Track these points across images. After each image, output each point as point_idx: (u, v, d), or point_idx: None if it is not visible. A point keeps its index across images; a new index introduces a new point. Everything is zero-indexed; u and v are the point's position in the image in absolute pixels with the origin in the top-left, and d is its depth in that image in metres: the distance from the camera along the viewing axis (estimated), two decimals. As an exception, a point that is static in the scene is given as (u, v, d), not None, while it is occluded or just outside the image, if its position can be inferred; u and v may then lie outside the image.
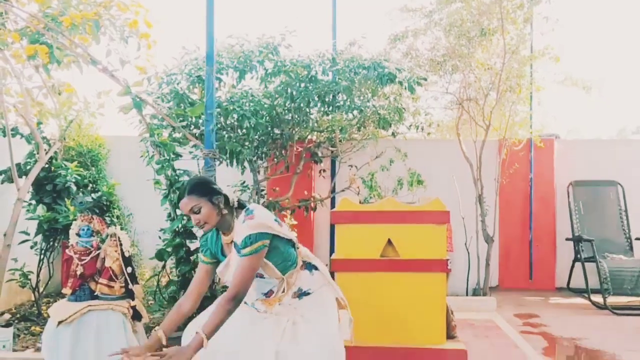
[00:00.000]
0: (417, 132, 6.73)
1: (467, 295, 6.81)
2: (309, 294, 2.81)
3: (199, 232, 4.34)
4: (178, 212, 4.34)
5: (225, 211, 2.68)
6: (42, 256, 5.42)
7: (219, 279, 3.60)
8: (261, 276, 2.73)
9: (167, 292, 4.33)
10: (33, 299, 5.48)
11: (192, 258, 4.30)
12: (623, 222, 7.19)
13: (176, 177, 4.30)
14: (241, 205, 2.76)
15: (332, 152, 6.68)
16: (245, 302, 2.81)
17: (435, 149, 7.58)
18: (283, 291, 2.78)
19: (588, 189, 7.42)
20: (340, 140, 6.24)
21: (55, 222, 5.14)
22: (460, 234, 6.79)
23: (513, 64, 6.65)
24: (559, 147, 7.68)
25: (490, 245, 6.67)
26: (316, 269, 2.90)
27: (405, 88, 5.59)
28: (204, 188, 2.65)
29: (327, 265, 7.25)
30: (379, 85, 5.51)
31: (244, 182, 6.05)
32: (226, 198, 2.71)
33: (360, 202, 5.39)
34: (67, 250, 3.49)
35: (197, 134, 5.17)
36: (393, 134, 6.44)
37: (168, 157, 4.31)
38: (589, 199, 7.37)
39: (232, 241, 2.69)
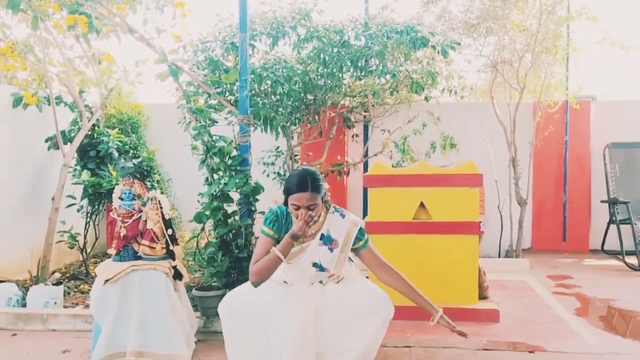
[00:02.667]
0: (450, 95, 6.59)
1: (499, 257, 6.76)
2: (342, 277, 2.91)
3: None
4: (215, 176, 4.39)
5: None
6: (88, 219, 5.59)
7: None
8: (327, 272, 2.80)
9: (206, 252, 4.42)
10: (81, 259, 5.68)
11: (229, 220, 4.36)
12: (660, 184, 6.98)
13: (213, 143, 4.33)
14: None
15: (364, 117, 6.62)
16: (285, 282, 2.87)
17: (469, 113, 7.44)
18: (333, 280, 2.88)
19: (625, 151, 7.19)
20: (372, 105, 6.17)
21: (99, 187, 5.27)
22: (493, 196, 6.70)
23: (549, 25, 6.41)
24: (595, 109, 7.44)
25: (523, 208, 6.58)
26: (351, 260, 3.02)
27: (439, 52, 5.46)
28: (321, 186, 2.70)
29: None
30: (412, 49, 5.39)
31: (278, 147, 6.06)
32: None
33: (392, 166, 5.37)
34: (110, 213, 3.58)
35: (232, 101, 5.18)
36: (426, 98, 6.33)
37: (204, 124, 4.34)
38: (626, 161, 7.16)
39: (316, 232, 2.79)
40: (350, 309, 2.70)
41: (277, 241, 2.77)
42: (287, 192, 2.70)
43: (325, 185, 2.75)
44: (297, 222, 2.66)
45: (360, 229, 2.83)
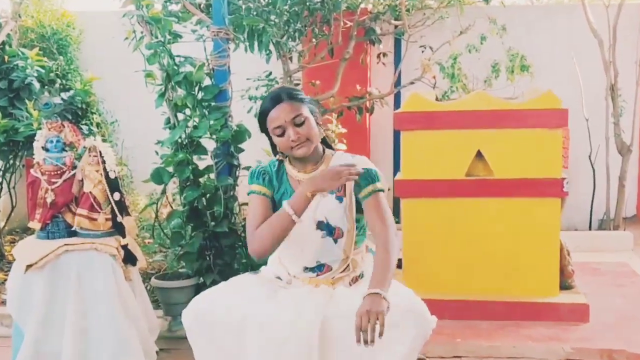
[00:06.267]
0: (521, -6, 6.49)
1: (590, 229, 6.77)
2: (362, 276, 2.93)
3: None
4: (180, 116, 4.37)
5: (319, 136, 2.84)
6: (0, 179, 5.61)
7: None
8: (338, 236, 2.83)
9: (169, 226, 4.44)
10: (-8, 236, 5.74)
11: (201, 180, 4.36)
12: None
13: (175, 67, 4.29)
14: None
15: (396, 27, 6.52)
16: (279, 277, 2.92)
17: (548, 20, 7.31)
18: (345, 269, 2.87)
19: None
20: (407, 10, 6.08)
21: (15, 133, 5.26)
22: (582, 142, 6.66)
23: None
24: None
25: (626, 158, 6.54)
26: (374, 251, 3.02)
27: None
28: (300, 95, 2.79)
29: (389, 189, 7.32)
30: None
31: (269, 73, 6.01)
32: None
33: (437, 99, 5.32)
34: (31, 171, 3.58)
35: (202, 5, 5.11)
36: (485, -2, 6.25)
37: (163, 40, 4.30)
38: None
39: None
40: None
41: (273, 200, 2.85)
42: (262, 116, 2.80)
43: (310, 101, 2.83)
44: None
45: (372, 171, 2.80)
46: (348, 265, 2.88)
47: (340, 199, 2.81)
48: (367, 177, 2.76)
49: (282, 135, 2.71)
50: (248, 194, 2.88)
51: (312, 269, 2.88)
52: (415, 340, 2.68)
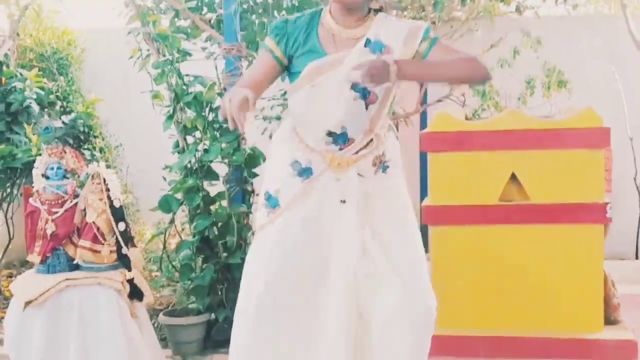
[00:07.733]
0: (557, 4, 6.48)
1: (637, 258, 6.71)
2: (387, 167, 2.98)
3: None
4: (189, 139, 4.39)
5: None
6: (-4, 209, 5.65)
7: None
8: (371, 101, 2.86)
9: (178, 257, 4.45)
10: (-12, 271, 5.77)
11: (212, 208, 4.37)
12: None
13: (184, 87, 4.32)
14: None
15: (421, 41, 6.53)
16: (297, 161, 2.93)
17: (586, 31, 7.30)
18: (368, 144, 2.90)
19: None
20: (434, 22, 6.10)
21: (12, 159, 5.30)
22: (626, 163, 6.62)
23: None
24: None
25: (675, 181, 6.50)
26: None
27: None
28: None
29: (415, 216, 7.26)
30: None
31: (284, 92, 6.03)
32: None
33: (467, 118, 5.32)
34: (30, 200, 3.60)
35: (212, 21, 5.16)
36: (518, 8, 6.23)
37: (171, 58, 4.33)
38: None
39: (359, 37, 2.86)
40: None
41: (280, 62, 2.90)
42: None
43: None
44: None
45: (427, 26, 2.87)
46: (372, 140, 2.90)
47: (370, 102, 2.84)
48: (418, 34, 2.84)
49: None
50: (262, 45, 2.97)
51: (334, 139, 2.89)
52: (417, 336, 2.84)
